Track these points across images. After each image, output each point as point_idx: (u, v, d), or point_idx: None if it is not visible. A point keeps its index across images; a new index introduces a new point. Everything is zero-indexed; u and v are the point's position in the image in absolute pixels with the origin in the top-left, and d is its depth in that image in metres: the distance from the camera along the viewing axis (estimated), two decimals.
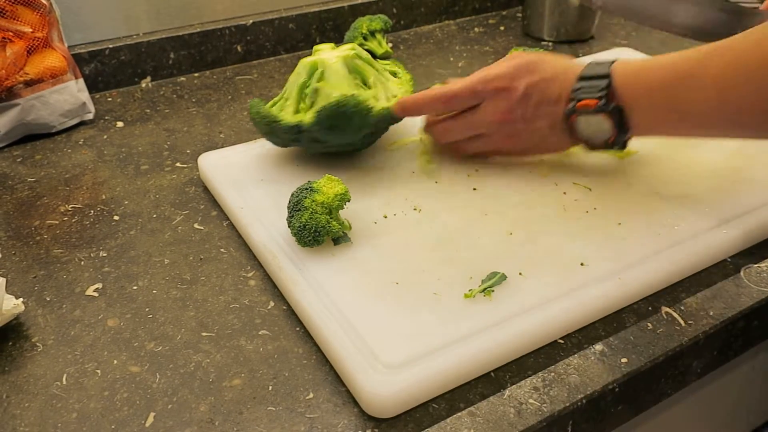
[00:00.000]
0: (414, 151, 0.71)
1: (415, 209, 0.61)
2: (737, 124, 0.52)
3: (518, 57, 0.62)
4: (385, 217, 0.60)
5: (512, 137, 0.63)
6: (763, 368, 0.68)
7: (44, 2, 0.77)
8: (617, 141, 0.58)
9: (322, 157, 0.69)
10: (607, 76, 0.57)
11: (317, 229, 0.54)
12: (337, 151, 0.68)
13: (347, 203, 0.56)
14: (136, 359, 0.49)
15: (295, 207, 0.55)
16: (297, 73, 0.66)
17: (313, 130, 0.62)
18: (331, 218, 0.55)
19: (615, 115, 0.57)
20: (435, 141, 0.69)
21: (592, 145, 0.60)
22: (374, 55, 0.75)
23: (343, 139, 0.64)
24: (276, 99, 0.67)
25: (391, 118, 0.66)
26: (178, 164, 0.74)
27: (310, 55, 0.70)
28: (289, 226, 0.56)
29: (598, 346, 0.48)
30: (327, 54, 0.67)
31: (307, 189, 0.55)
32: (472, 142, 0.66)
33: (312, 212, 0.54)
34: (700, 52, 0.53)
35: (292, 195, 0.56)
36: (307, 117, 0.63)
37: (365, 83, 0.67)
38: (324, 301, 0.51)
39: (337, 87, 0.64)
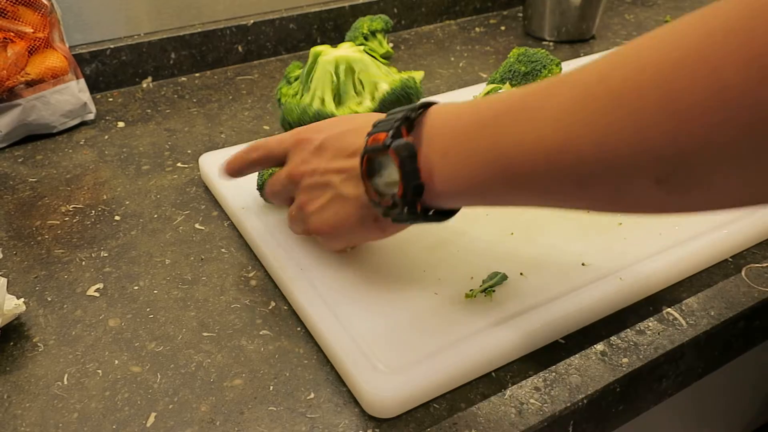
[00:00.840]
0: None
1: None
2: (573, 181, 0.35)
3: (335, 118, 0.55)
4: None
5: (317, 205, 0.51)
6: (764, 368, 0.68)
7: (45, 2, 0.77)
8: (406, 199, 0.42)
9: None
10: (413, 110, 0.43)
11: None
12: None
13: None
14: (137, 359, 0.49)
15: None
16: (325, 72, 0.67)
17: None
18: None
19: (403, 154, 0.42)
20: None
21: (385, 210, 0.45)
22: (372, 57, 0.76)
23: None
24: (307, 100, 0.68)
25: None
26: (179, 164, 0.74)
27: (300, 60, 0.70)
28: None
29: (599, 346, 0.47)
30: (340, 51, 0.67)
31: None
32: (294, 221, 0.55)
33: (272, 171, 0.58)
34: (540, 84, 0.38)
35: None
36: (362, 107, 0.64)
37: (380, 72, 0.68)
38: (325, 301, 0.51)
39: (383, 74, 0.65)
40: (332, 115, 0.64)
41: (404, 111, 0.43)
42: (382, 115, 0.47)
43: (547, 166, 0.36)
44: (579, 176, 0.35)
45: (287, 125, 0.65)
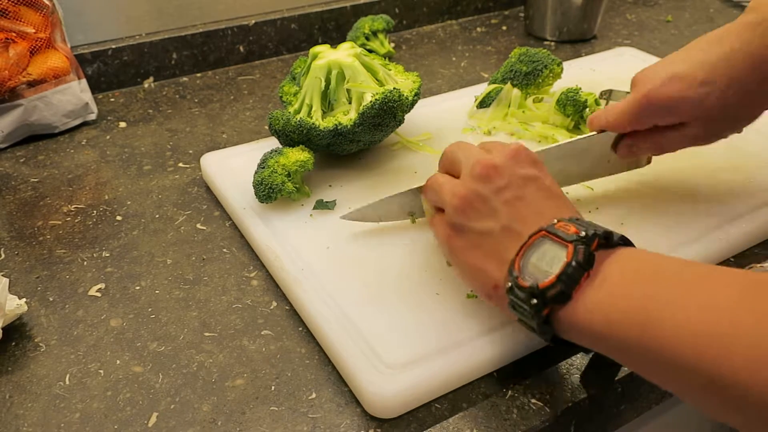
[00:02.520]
0: (413, 151, 0.71)
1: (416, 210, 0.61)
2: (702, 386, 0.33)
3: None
4: None
5: (468, 206, 0.46)
6: None
7: (47, 3, 0.77)
8: (547, 291, 0.39)
9: (322, 157, 0.69)
10: (611, 237, 0.41)
11: (272, 186, 0.59)
12: (363, 148, 0.68)
13: (307, 170, 0.62)
14: (138, 359, 0.49)
15: (261, 164, 0.62)
16: (315, 78, 0.66)
17: (355, 130, 0.62)
18: (288, 180, 0.60)
19: (583, 258, 0.39)
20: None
21: (514, 286, 0.41)
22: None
23: (383, 134, 0.65)
24: (295, 107, 0.67)
25: (408, 109, 0.67)
26: (180, 164, 0.74)
27: (307, 57, 0.70)
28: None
29: None
30: (336, 54, 0.66)
31: (276, 151, 0.62)
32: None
33: (272, 171, 0.60)
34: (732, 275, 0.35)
35: (264, 154, 0.62)
36: (345, 119, 0.63)
37: (377, 78, 0.67)
38: (326, 301, 0.51)
39: (368, 85, 0.64)
40: (314, 127, 0.62)
41: (605, 231, 0.41)
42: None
43: (690, 361, 0.33)
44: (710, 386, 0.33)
45: (273, 132, 0.65)
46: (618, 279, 0.38)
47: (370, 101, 0.61)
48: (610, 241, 0.41)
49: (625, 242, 0.42)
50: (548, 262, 0.40)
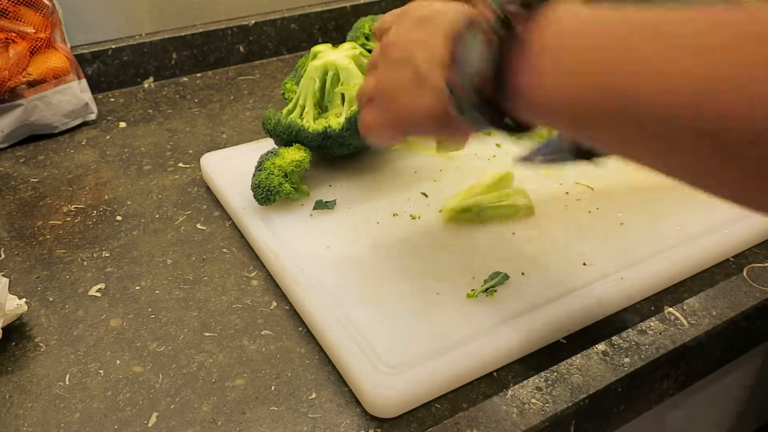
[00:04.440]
0: (413, 151, 0.71)
1: (416, 210, 0.61)
2: (706, 135, 0.29)
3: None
4: (394, 215, 0.60)
5: (384, 70, 0.46)
6: (766, 368, 0.68)
7: (47, 3, 0.77)
8: (494, 92, 0.36)
9: (322, 157, 0.69)
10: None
11: (269, 188, 0.59)
12: (356, 151, 0.68)
13: (304, 169, 0.62)
14: (138, 359, 0.49)
15: (258, 167, 0.62)
16: (309, 79, 0.65)
17: (343, 134, 0.62)
18: (285, 181, 0.60)
19: (502, 44, 0.35)
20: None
21: (457, 96, 0.39)
22: None
23: None
24: (290, 107, 0.67)
25: None
26: (180, 164, 0.74)
27: (308, 56, 0.69)
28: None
29: (601, 346, 0.47)
30: (334, 55, 0.66)
31: (271, 152, 0.62)
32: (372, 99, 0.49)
33: (269, 173, 0.60)
34: (680, 14, 0.30)
35: (260, 156, 0.62)
36: (335, 122, 0.63)
37: None
38: (326, 301, 0.51)
39: (356, 88, 0.64)
40: (303, 129, 0.63)
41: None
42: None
43: (667, 110, 0.29)
44: (700, 132, 0.29)
45: (266, 131, 0.65)
46: (563, 39, 0.34)
47: (357, 106, 0.61)
48: (527, 7, 0.35)
49: None
50: (475, 56, 0.37)
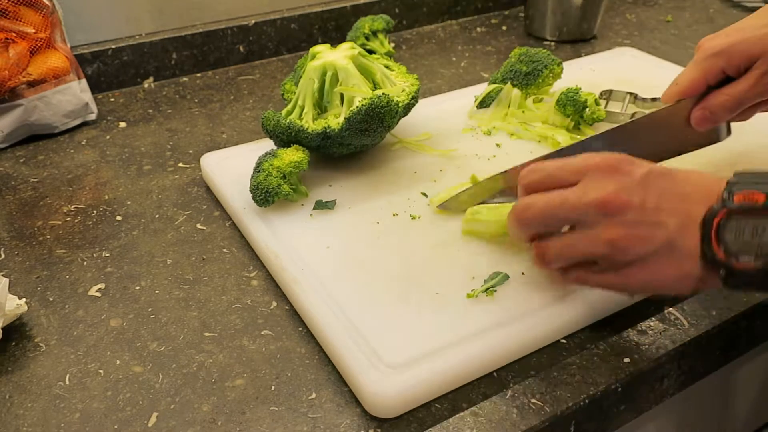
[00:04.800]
0: (413, 151, 0.71)
1: (416, 210, 0.61)
2: None
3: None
4: (394, 215, 0.60)
5: (643, 251, 0.43)
6: (765, 368, 0.68)
7: (47, 3, 0.77)
8: None
9: (321, 157, 0.69)
10: None
11: (268, 190, 0.59)
12: (355, 151, 0.68)
13: (302, 170, 0.61)
14: (138, 359, 0.49)
15: (256, 168, 0.61)
16: (309, 79, 0.65)
17: (343, 135, 0.62)
18: (284, 182, 0.60)
19: None
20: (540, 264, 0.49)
21: (729, 273, 0.40)
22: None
23: (372, 139, 0.64)
24: (289, 107, 0.67)
25: (403, 112, 0.66)
26: (180, 164, 0.74)
27: (307, 56, 0.69)
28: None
29: (601, 346, 0.47)
30: (332, 55, 0.66)
31: (270, 153, 0.62)
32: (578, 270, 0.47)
33: (267, 174, 0.60)
34: None
35: (259, 157, 0.62)
36: (334, 122, 0.63)
37: (374, 80, 0.67)
38: (326, 301, 0.51)
39: (358, 89, 0.64)
40: (302, 129, 0.62)
41: None
42: (722, 179, 0.42)
43: None
44: None
45: (266, 132, 0.65)
46: None
47: (357, 106, 0.61)
48: None
49: None
50: (754, 235, 0.39)
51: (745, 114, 0.59)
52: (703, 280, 0.42)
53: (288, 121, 0.63)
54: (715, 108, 0.56)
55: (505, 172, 0.58)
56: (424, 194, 0.63)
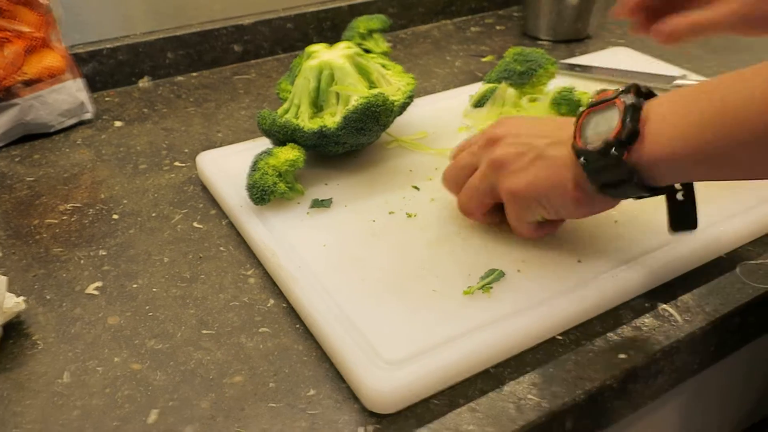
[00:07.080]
0: (409, 150, 0.71)
1: (412, 208, 0.61)
2: None
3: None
4: (390, 213, 0.61)
5: (516, 165, 0.51)
6: (759, 364, 0.69)
7: (43, 2, 0.77)
8: (619, 139, 0.44)
9: (317, 156, 0.70)
10: (638, 85, 0.47)
11: (264, 188, 0.60)
12: (351, 149, 0.68)
13: (299, 168, 0.62)
14: (137, 357, 0.49)
15: (252, 167, 0.62)
16: (305, 78, 0.65)
17: (339, 133, 0.62)
18: (279, 180, 0.60)
19: (628, 102, 0.45)
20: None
21: (589, 158, 0.46)
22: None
23: (368, 138, 0.65)
24: (285, 106, 0.67)
25: (399, 111, 0.67)
26: (176, 163, 0.74)
27: (302, 56, 0.70)
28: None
29: (596, 342, 0.48)
30: (328, 54, 0.67)
31: (265, 152, 0.62)
32: (482, 182, 0.55)
33: (263, 173, 0.60)
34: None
35: (255, 156, 0.62)
36: (330, 121, 0.63)
37: (370, 80, 0.67)
38: (324, 298, 0.51)
39: (354, 88, 0.64)
40: (298, 128, 0.63)
41: (633, 84, 0.46)
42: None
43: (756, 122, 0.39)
44: None
45: (261, 131, 0.66)
46: (671, 108, 0.44)
47: (353, 105, 0.61)
48: (640, 92, 0.46)
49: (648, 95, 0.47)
50: (604, 124, 0.46)
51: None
52: (581, 188, 0.48)
53: (284, 120, 0.63)
54: (675, 27, 0.57)
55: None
56: (416, 187, 0.64)
